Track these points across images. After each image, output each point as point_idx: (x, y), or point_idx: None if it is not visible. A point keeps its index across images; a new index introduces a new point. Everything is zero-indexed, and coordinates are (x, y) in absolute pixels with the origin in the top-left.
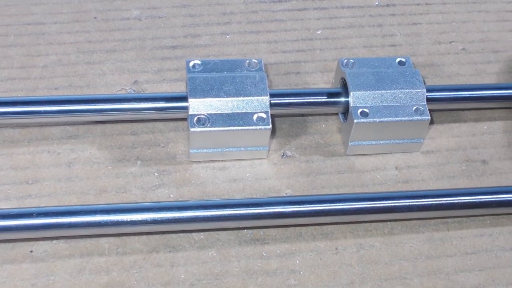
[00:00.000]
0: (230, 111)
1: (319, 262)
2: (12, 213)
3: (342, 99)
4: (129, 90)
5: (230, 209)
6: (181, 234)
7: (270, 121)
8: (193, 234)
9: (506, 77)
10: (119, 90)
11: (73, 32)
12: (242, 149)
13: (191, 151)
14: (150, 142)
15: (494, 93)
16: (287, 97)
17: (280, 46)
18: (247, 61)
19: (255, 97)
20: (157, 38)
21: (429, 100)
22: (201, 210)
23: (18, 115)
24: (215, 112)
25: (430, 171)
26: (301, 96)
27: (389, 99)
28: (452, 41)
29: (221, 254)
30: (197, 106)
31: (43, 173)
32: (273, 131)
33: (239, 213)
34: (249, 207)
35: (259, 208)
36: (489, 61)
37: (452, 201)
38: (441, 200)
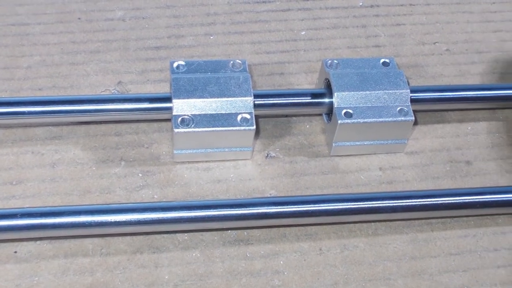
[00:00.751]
0: (214, 112)
1: (303, 262)
2: None
3: (326, 100)
4: (113, 91)
5: (214, 210)
6: (165, 235)
7: (254, 122)
8: (177, 235)
9: (490, 78)
10: (103, 91)
11: (57, 33)
12: (226, 149)
13: (175, 151)
14: (134, 142)
15: (478, 94)
16: (271, 98)
17: (264, 47)
18: (231, 62)
19: (239, 98)
20: (141, 39)
21: (413, 101)
22: (185, 211)
23: (1, 116)
24: (199, 113)
25: (414, 172)
26: (285, 97)
27: (373, 100)
28: (436, 42)
29: (205, 255)
30: (181, 106)
31: (27, 174)
32: (257, 132)
33: (223, 214)
34: (233, 207)
35: (243, 209)
36: (473, 62)
37: (436, 202)
38: (425, 201)
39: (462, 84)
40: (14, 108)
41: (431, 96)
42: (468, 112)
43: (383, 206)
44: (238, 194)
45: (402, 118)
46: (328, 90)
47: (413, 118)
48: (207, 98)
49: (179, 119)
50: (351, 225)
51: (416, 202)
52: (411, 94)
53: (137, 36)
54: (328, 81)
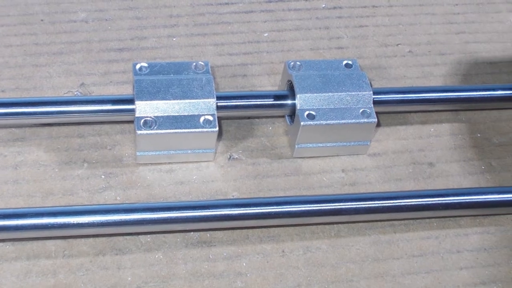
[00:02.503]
0: (176, 114)
1: (265, 264)
2: None
3: (289, 102)
4: (75, 93)
5: (177, 212)
6: (127, 237)
7: (217, 124)
8: (139, 236)
9: (453, 80)
10: (66, 93)
11: (19, 35)
12: (189, 151)
13: (137, 153)
14: (97, 144)
15: (440, 96)
16: (234, 99)
17: (227, 48)
18: (194, 64)
19: (202, 100)
20: (104, 40)
21: (375, 102)
22: (148, 213)
23: None
24: (162, 115)
25: (376, 174)
26: (247, 99)
27: (336, 102)
28: (399, 44)
29: (168, 256)
30: (144, 108)
31: None
32: (220, 133)
33: (186, 216)
34: (195, 209)
35: (205, 210)
36: (435, 63)
37: (399, 204)
38: (388, 203)
39: (425, 86)
40: None
41: (394, 98)
42: (431, 114)
43: (345, 208)
44: (201, 196)
45: (365, 120)
46: (291, 92)
47: (376, 119)
48: (170, 100)
49: (142, 121)
50: (314, 227)
51: (378, 203)
52: (373, 96)
53: (100, 38)
54: (291, 82)
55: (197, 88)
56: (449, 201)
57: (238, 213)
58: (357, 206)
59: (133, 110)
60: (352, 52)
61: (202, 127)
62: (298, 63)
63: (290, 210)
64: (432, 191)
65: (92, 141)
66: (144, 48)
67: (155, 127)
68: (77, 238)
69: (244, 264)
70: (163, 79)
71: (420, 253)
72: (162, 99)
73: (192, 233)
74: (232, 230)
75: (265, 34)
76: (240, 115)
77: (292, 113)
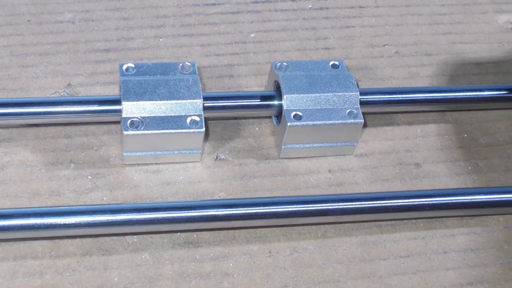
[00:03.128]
0: (163, 114)
1: (252, 265)
2: None
3: (276, 102)
4: (62, 93)
5: (163, 212)
6: (114, 237)
7: (204, 124)
8: (126, 237)
9: (439, 80)
10: (53, 93)
11: (6, 35)
12: (176, 152)
13: (124, 154)
14: (84, 145)
15: (427, 96)
16: (221, 100)
17: (214, 49)
18: (181, 64)
19: (189, 100)
20: (90, 41)
21: (362, 103)
22: (134, 213)
23: None
24: (149, 115)
25: (363, 174)
26: (234, 99)
27: (323, 102)
28: (386, 44)
29: (155, 257)
30: (131, 109)
31: None
32: (207, 134)
33: (173, 216)
34: (182, 210)
35: (192, 211)
36: (422, 64)
37: (386, 204)
38: (375, 203)
39: (411, 87)
40: None
41: (381, 99)
42: (418, 115)
43: (332, 209)
44: (188, 196)
45: (352, 121)
46: (278, 93)
47: (363, 120)
48: (157, 100)
49: (129, 121)
50: (301, 227)
51: (365, 204)
52: (360, 97)
53: (86, 39)
54: (278, 83)
55: (184, 88)
56: (436, 202)
57: (224, 214)
58: (344, 206)
59: (119, 111)
60: (338, 52)
61: (189, 128)
62: (284, 63)
63: (277, 211)
64: (418, 191)
65: (79, 141)
66: (131, 48)
67: (142, 128)
68: (64, 238)
69: (230, 264)
70: (149, 80)
71: (407, 253)
72: (148, 100)
73: (179, 233)
74: (218, 231)
75: (252, 35)
76: (226, 116)
77: (279, 114)
